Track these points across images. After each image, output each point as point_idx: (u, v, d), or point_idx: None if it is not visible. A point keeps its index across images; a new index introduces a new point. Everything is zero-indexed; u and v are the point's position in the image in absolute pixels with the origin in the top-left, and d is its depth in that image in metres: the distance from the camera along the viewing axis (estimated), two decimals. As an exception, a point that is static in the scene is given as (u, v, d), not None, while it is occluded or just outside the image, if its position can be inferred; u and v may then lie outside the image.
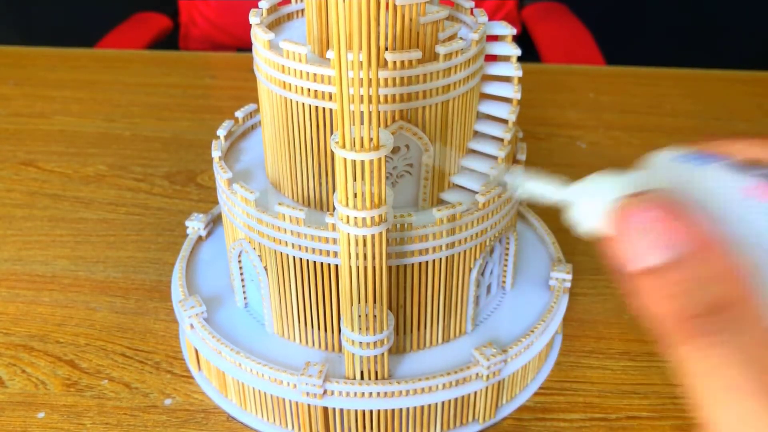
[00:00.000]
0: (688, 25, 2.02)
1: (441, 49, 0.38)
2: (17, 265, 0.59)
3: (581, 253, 0.52)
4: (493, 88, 0.44)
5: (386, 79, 0.38)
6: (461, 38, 0.40)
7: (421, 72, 0.38)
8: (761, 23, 2.01)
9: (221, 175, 0.44)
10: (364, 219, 0.36)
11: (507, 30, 0.44)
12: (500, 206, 0.43)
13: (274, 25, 0.45)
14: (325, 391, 0.41)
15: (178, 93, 0.86)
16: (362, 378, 0.42)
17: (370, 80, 0.32)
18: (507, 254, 0.48)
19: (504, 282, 0.49)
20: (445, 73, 0.39)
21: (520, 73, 0.44)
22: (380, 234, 0.37)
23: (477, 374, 0.42)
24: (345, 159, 0.34)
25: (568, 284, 0.49)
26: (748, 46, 2.01)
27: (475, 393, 0.43)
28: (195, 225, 0.53)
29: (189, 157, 0.73)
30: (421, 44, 0.39)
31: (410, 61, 0.38)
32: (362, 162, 0.34)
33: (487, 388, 0.43)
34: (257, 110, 0.51)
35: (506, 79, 0.44)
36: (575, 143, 0.74)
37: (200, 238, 0.54)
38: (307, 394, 0.41)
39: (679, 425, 0.45)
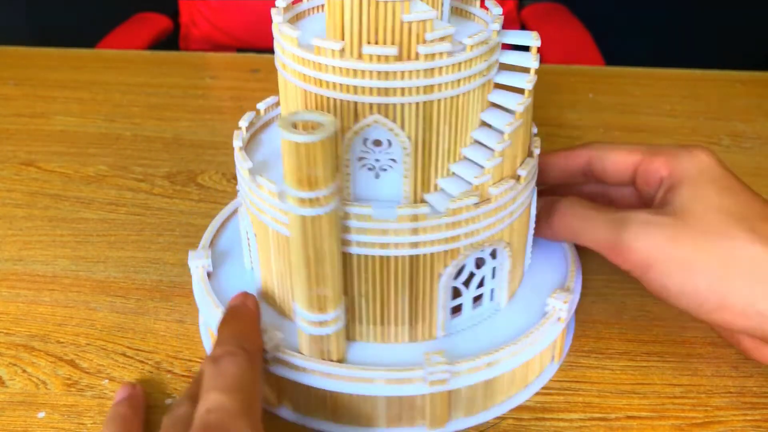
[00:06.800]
0: (687, 25, 2.02)
1: (422, 49, 0.38)
2: (18, 265, 0.59)
3: (581, 254, 0.52)
4: (497, 97, 0.43)
5: (363, 72, 0.38)
6: (459, 42, 0.39)
7: (399, 69, 0.38)
8: (761, 24, 2.01)
9: (242, 164, 0.44)
10: (311, 200, 0.37)
11: (532, 41, 0.43)
12: (479, 216, 0.42)
13: (292, 23, 0.45)
14: (273, 358, 0.43)
15: (178, 93, 0.86)
16: (312, 355, 0.43)
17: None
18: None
19: (499, 298, 0.47)
20: (427, 73, 0.39)
21: (530, 87, 0.43)
22: (328, 216, 0.38)
23: (420, 377, 0.41)
24: (289, 141, 0.36)
25: (564, 314, 0.46)
26: (748, 46, 2.01)
27: (423, 396, 0.42)
28: (200, 264, 0.50)
29: (189, 157, 0.73)
30: (404, 42, 0.39)
31: (386, 57, 0.38)
32: (306, 144, 0.36)
33: (433, 394, 0.42)
34: (276, 104, 0.51)
35: (514, 88, 0.43)
36: (575, 143, 0.75)
37: (209, 274, 0.50)
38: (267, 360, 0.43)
39: (679, 425, 0.45)
